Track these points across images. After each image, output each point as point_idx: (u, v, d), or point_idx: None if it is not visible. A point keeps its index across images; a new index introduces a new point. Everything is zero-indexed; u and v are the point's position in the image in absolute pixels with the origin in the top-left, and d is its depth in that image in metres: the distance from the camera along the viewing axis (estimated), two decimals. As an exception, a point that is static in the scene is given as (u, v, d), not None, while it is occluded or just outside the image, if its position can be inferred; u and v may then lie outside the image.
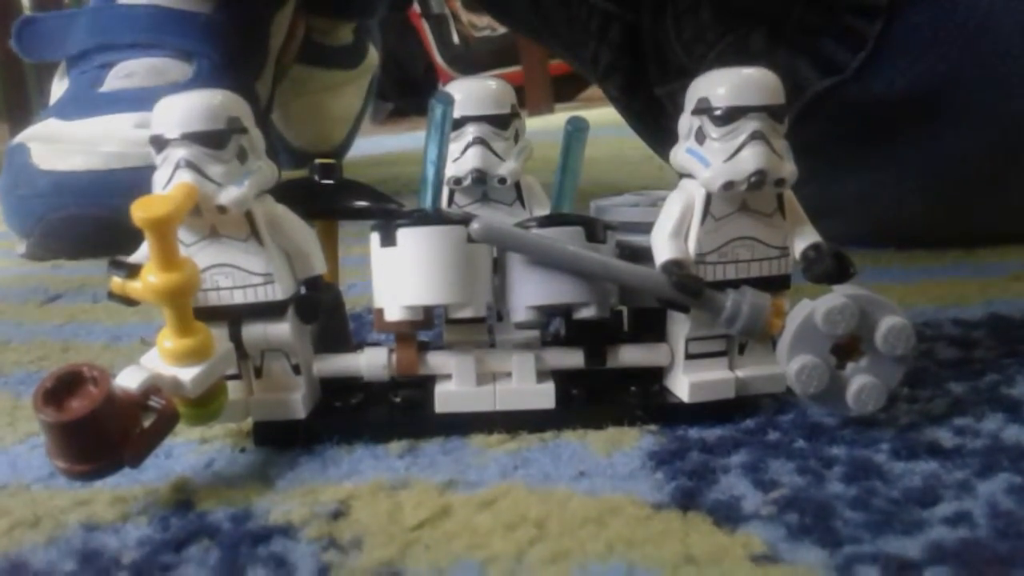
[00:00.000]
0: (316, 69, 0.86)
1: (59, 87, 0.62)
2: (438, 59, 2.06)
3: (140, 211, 0.21)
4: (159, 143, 0.23)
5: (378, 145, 1.22)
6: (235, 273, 0.24)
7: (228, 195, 0.23)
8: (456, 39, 2.06)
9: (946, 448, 0.23)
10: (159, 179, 0.23)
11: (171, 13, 0.60)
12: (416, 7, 1.92)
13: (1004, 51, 0.38)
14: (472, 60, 1.97)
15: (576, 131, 0.26)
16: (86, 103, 0.58)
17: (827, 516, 0.20)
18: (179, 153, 0.23)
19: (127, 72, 0.59)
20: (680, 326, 0.26)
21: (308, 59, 0.85)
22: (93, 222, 0.52)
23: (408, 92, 2.14)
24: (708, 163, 0.24)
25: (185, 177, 0.23)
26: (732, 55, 0.41)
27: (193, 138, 0.23)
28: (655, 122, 0.49)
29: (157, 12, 0.60)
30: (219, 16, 0.61)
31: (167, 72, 0.59)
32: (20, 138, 0.58)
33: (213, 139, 0.23)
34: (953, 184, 0.41)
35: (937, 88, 0.38)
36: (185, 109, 0.23)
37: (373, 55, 0.92)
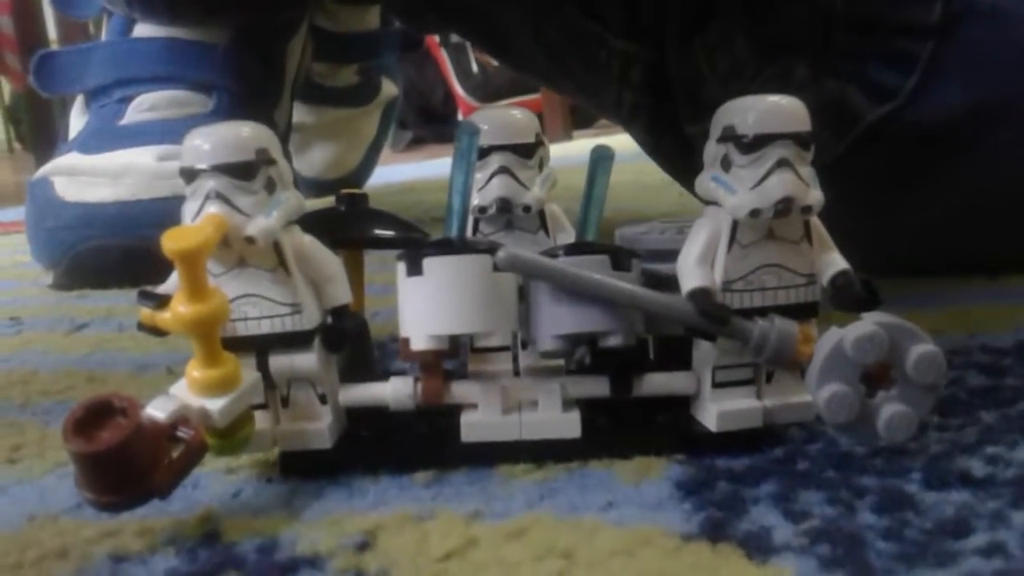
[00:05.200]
0: (321, 107, 0.87)
1: (78, 121, 0.63)
2: (457, 88, 2.07)
3: (170, 242, 0.22)
4: (189, 174, 0.24)
5: (399, 173, 1.23)
6: (262, 303, 0.24)
7: (256, 226, 0.23)
8: (475, 68, 2.07)
9: (978, 478, 0.23)
10: (189, 210, 0.24)
11: (188, 45, 0.61)
12: (436, 36, 1.94)
13: None
14: (491, 88, 1.99)
15: (601, 159, 0.26)
16: (108, 137, 0.58)
17: (859, 548, 0.20)
18: (209, 184, 0.23)
19: (148, 105, 0.59)
20: (707, 354, 0.26)
21: (314, 100, 0.85)
22: (121, 252, 0.53)
23: (428, 120, 2.16)
24: (734, 191, 0.24)
25: (214, 209, 0.23)
26: (775, 88, 0.40)
27: (223, 169, 0.23)
28: (686, 161, 0.47)
29: (174, 45, 0.60)
30: (236, 47, 0.62)
31: (187, 104, 0.59)
32: (43, 172, 0.59)
33: (242, 171, 0.23)
34: (1015, 204, 0.40)
35: (995, 107, 0.37)
36: (215, 141, 0.24)
37: (388, 88, 0.92)
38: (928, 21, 0.37)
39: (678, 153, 0.48)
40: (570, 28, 0.50)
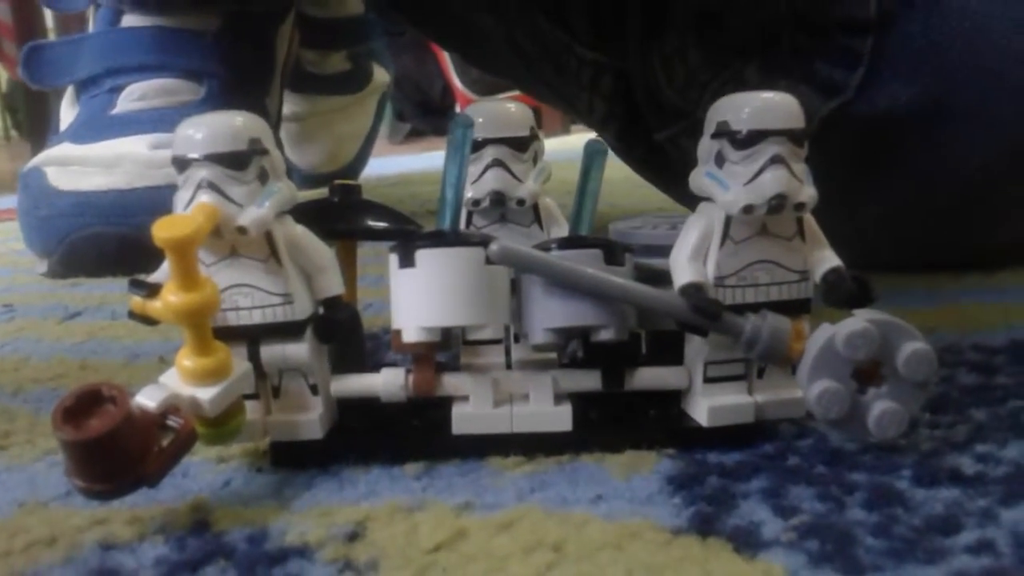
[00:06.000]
0: (316, 96, 0.87)
1: (68, 113, 0.62)
2: (455, 81, 2.07)
3: (161, 231, 0.22)
4: (181, 164, 0.24)
5: (396, 165, 1.23)
6: (254, 293, 0.24)
7: (248, 216, 0.23)
8: (474, 61, 2.07)
9: (968, 475, 0.23)
10: (181, 199, 0.24)
11: (177, 34, 0.60)
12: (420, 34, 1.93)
13: (1003, 49, 0.37)
14: (489, 82, 1.98)
15: (595, 154, 0.26)
16: (99, 126, 0.58)
17: (848, 543, 0.20)
18: (201, 174, 0.23)
19: (139, 94, 0.59)
20: (699, 349, 0.26)
21: (305, 88, 0.85)
22: (116, 240, 0.52)
23: (426, 113, 2.16)
24: (728, 186, 0.24)
25: (206, 198, 0.23)
26: (730, 92, 0.41)
27: (215, 159, 0.23)
28: (659, 166, 0.48)
29: (163, 33, 0.60)
30: (226, 34, 0.61)
31: (178, 93, 0.59)
32: (35, 162, 0.58)
33: (235, 160, 0.23)
34: (971, 193, 0.41)
35: (942, 95, 0.38)
36: (207, 130, 0.23)
37: (381, 75, 0.92)
38: (865, 16, 0.38)
39: (650, 158, 0.49)
40: (539, 36, 0.50)
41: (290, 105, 0.82)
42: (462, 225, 0.27)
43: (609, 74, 0.48)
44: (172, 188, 0.24)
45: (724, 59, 0.42)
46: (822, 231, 0.25)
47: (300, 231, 0.25)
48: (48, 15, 1.81)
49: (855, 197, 0.42)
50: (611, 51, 0.47)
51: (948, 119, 0.39)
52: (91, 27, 0.64)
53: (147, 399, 0.22)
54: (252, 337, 0.25)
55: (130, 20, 0.61)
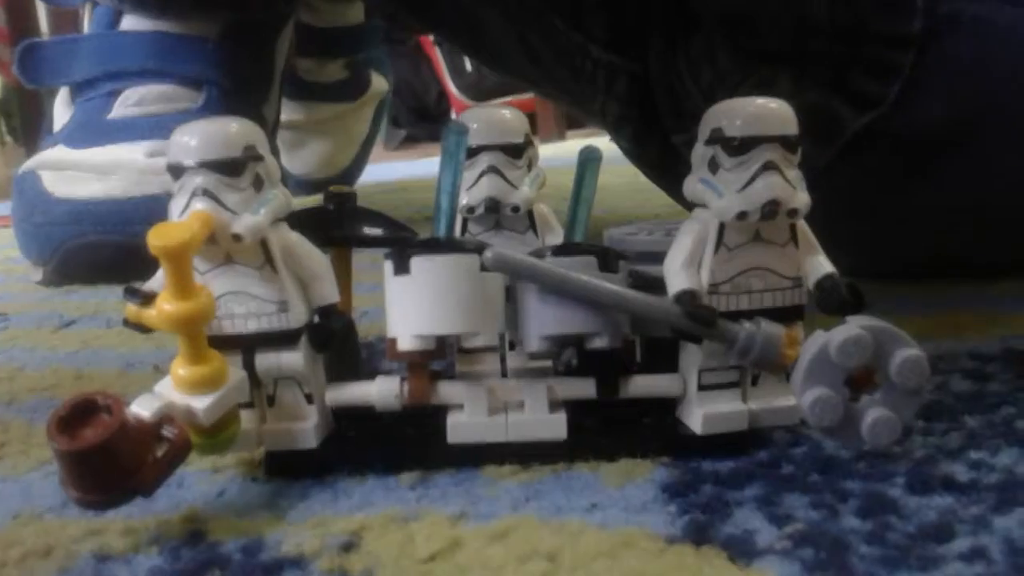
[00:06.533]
0: (312, 103, 0.86)
1: (63, 112, 0.61)
2: (451, 87, 2.07)
3: (156, 239, 0.22)
4: (176, 171, 0.24)
5: (391, 171, 1.23)
6: (249, 301, 0.24)
7: (243, 224, 0.23)
8: (469, 67, 2.07)
9: (961, 482, 0.23)
10: (176, 207, 0.24)
11: (178, 39, 0.60)
12: (431, 36, 1.93)
13: None
14: (485, 88, 1.99)
15: (589, 160, 0.26)
16: (95, 131, 0.57)
17: (842, 551, 0.20)
18: (196, 181, 0.23)
19: (136, 100, 0.58)
20: (693, 357, 0.26)
21: (302, 96, 0.85)
22: (113, 248, 0.52)
23: (421, 119, 2.16)
24: (721, 193, 0.24)
25: (201, 206, 0.23)
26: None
27: (210, 166, 0.23)
28: (672, 170, 0.48)
29: (164, 39, 0.59)
30: (226, 41, 0.61)
31: (176, 99, 0.59)
32: (29, 165, 0.58)
33: (230, 167, 0.23)
34: (1002, 208, 0.40)
35: (981, 113, 0.38)
36: (203, 137, 0.23)
37: (379, 83, 0.91)
38: (909, 32, 0.38)
39: (663, 163, 0.48)
40: (554, 37, 0.50)
41: (286, 112, 0.82)
42: (457, 232, 0.27)
43: (624, 76, 0.47)
44: (169, 196, 0.24)
45: (755, 64, 0.41)
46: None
47: (295, 238, 0.25)
48: (43, 20, 1.80)
49: (884, 209, 0.41)
50: (628, 53, 0.47)
51: (983, 139, 0.38)
52: (86, 25, 0.63)
53: (142, 408, 0.22)
54: (247, 345, 0.25)
55: (130, 23, 0.60)
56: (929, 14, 0.37)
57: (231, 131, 0.24)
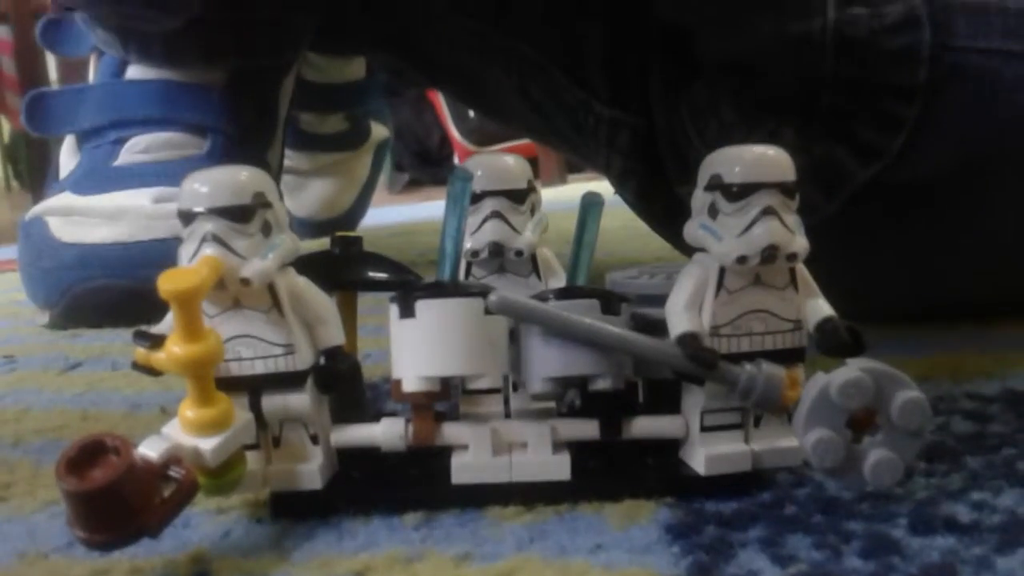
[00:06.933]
0: (316, 153, 0.87)
1: (69, 160, 0.62)
2: (453, 132, 2.09)
3: (167, 284, 0.22)
4: (187, 217, 0.24)
5: (395, 215, 1.24)
6: (256, 344, 0.25)
7: (252, 268, 0.24)
8: (471, 112, 2.09)
9: (963, 523, 0.23)
10: (186, 252, 0.24)
11: (184, 88, 0.60)
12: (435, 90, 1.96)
13: None
14: (488, 132, 2.00)
15: (591, 205, 0.27)
16: (102, 178, 0.58)
17: (845, 592, 0.20)
18: (206, 227, 0.24)
19: (142, 147, 0.59)
20: (695, 398, 0.26)
21: (302, 147, 0.86)
22: (120, 292, 0.53)
23: (424, 163, 2.18)
24: (721, 238, 0.25)
25: (211, 251, 0.23)
26: None
27: (220, 213, 0.24)
28: (677, 222, 0.46)
29: (169, 87, 0.60)
30: (231, 89, 0.61)
31: (182, 147, 0.59)
32: (36, 211, 0.58)
33: (240, 214, 0.24)
34: (1005, 255, 0.41)
35: (983, 167, 0.38)
36: (213, 185, 0.24)
37: (379, 131, 0.92)
38: (915, 83, 0.37)
39: (669, 214, 0.48)
40: (555, 91, 0.50)
41: (288, 159, 0.83)
42: (461, 276, 0.27)
43: (627, 130, 0.47)
44: (176, 240, 0.25)
45: (760, 116, 0.41)
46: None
47: (302, 282, 0.25)
48: (52, 68, 1.83)
49: (886, 255, 0.41)
50: (631, 108, 0.47)
51: (988, 189, 0.39)
52: (92, 74, 0.64)
53: (149, 450, 0.22)
54: (254, 387, 0.25)
55: (135, 72, 0.61)
56: (934, 64, 0.37)
57: (241, 179, 0.24)
